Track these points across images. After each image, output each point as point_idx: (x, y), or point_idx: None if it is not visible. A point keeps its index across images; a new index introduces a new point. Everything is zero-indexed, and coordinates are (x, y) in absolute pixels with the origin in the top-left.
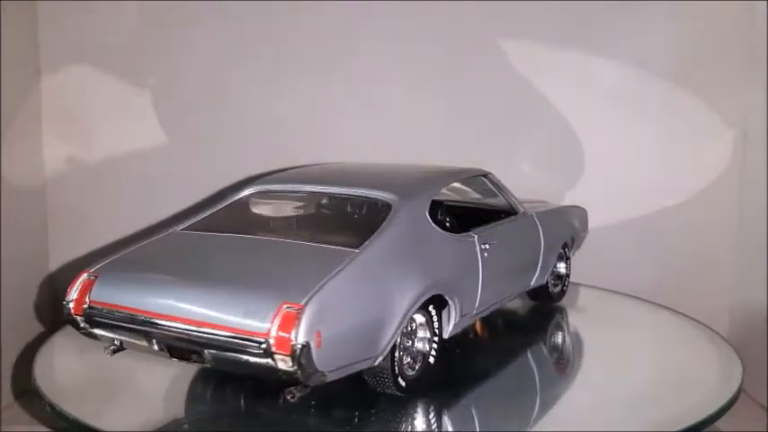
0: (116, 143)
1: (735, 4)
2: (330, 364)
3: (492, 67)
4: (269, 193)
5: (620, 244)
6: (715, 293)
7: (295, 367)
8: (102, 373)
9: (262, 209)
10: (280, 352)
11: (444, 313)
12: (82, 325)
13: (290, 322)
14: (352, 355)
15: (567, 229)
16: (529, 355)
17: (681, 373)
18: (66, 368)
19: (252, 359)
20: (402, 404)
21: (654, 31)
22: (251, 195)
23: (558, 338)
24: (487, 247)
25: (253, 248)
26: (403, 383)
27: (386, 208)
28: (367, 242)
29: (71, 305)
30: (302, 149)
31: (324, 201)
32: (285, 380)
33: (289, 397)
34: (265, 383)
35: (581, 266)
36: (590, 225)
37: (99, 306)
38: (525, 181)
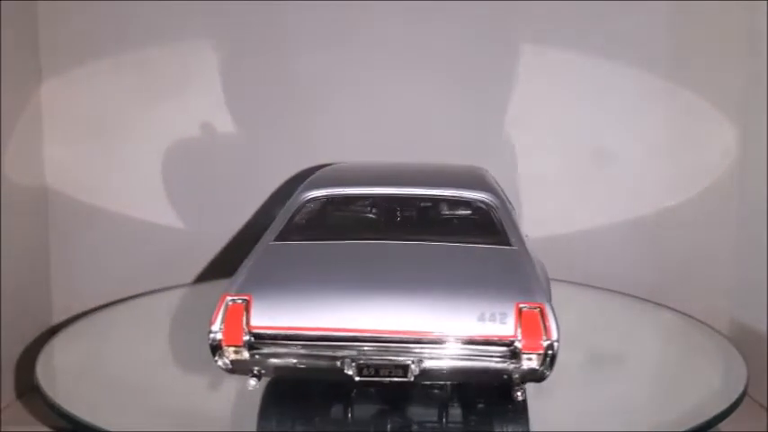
0: (117, 144)
1: (735, 3)
2: None
3: (490, 65)
4: (343, 196)
5: (620, 244)
6: (715, 293)
7: (544, 365)
8: (104, 372)
9: (347, 212)
10: (529, 352)
11: None
12: (233, 357)
13: (535, 322)
14: None
15: None
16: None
17: (684, 373)
18: (69, 368)
19: (484, 363)
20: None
21: (654, 30)
22: (317, 199)
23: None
24: (527, 238)
25: (409, 253)
26: None
27: (486, 207)
28: (512, 240)
29: (220, 335)
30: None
31: (407, 202)
32: (505, 381)
33: (518, 395)
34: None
35: (582, 266)
36: (591, 224)
37: (268, 330)
38: (524, 180)
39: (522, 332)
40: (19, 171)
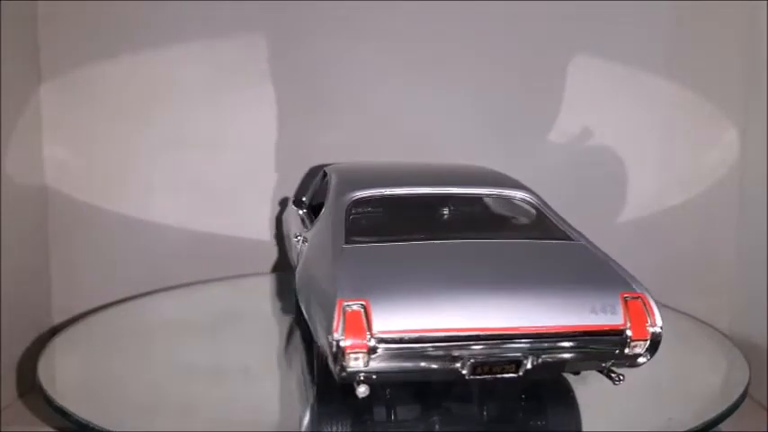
0: (117, 144)
1: (735, 3)
2: None
3: (490, 65)
4: (389, 196)
5: (620, 243)
6: (715, 293)
7: (648, 351)
8: (105, 372)
9: (398, 212)
10: (637, 339)
11: None
12: (353, 363)
13: (641, 310)
14: None
15: None
16: None
17: (684, 373)
18: (70, 368)
19: (592, 353)
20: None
21: (654, 31)
22: (363, 200)
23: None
24: None
25: (494, 252)
26: None
27: (530, 204)
28: (573, 235)
29: (343, 343)
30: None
31: (453, 201)
32: (600, 368)
33: (618, 380)
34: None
35: None
36: (591, 224)
37: (393, 334)
38: (523, 180)
39: (631, 321)
40: (19, 171)
